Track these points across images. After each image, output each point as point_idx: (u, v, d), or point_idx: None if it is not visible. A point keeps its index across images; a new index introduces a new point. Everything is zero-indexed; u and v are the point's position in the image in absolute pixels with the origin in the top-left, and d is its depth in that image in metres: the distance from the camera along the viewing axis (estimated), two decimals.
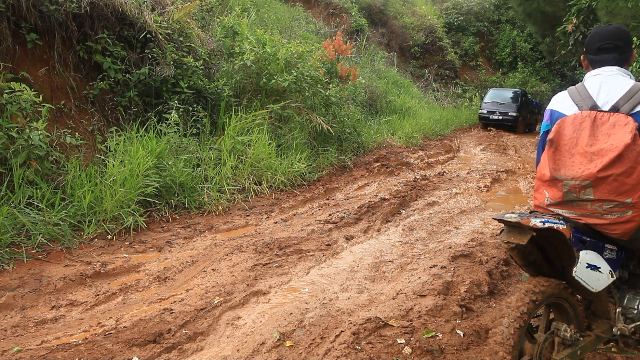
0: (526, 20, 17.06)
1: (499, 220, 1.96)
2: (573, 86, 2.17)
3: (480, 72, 24.52)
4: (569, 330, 2.00)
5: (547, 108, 2.25)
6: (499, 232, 2.05)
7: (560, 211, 2.03)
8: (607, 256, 2.03)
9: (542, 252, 2.14)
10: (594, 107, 2.00)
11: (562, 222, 1.92)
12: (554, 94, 2.31)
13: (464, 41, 24.39)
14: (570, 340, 2.00)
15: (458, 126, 16.15)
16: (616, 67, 2.09)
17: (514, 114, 16.32)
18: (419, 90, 17.68)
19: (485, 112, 16.78)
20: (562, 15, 11.96)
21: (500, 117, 16.35)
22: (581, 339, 2.06)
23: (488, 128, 16.57)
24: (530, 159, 10.44)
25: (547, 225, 1.85)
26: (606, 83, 2.04)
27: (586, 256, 1.94)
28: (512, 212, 1.98)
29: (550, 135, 2.03)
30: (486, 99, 17.26)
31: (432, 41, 21.42)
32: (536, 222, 1.85)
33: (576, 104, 2.07)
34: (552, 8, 13.46)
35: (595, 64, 2.15)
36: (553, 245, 2.07)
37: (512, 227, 1.94)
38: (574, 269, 1.90)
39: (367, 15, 18.80)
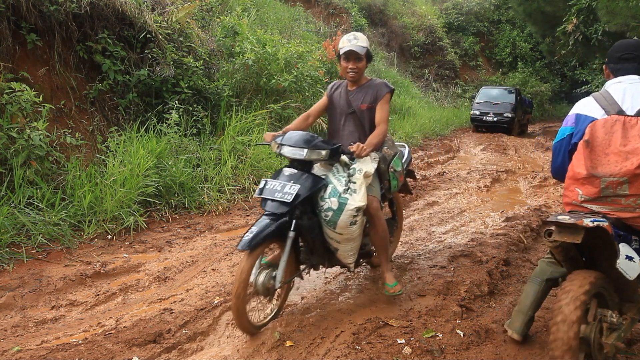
0: (526, 20, 17.02)
1: (553, 223, 2.10)
2: (597, 92, 2.39)
3: (480, 72, 24.54)
4: (614, 315, 2.15)
5: (570, 113, 2.44)
6: (543, 232, 2.18)
7: (594, 207, 2.19)
8: (634, 246, 2.22)
9: (577, 247, 2.28)
10: (620, 112, 2.22)
11: (605, 219, 2.06)
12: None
13: (464, 41, 24.42)
14: (617, 325, 2.15)
15: (458, 126, 16.09)
16: (637, 76, 2.33)
17: (510, 115, 14.96)
18: (419, 90, 17.68)
19: (477, 113, 15.31)
20: (562, 15, 11.95)
21: (495, 119, 14.97)
22: (623, 322, 2.23)
23: (482, 130, 15.37)
24: (531, 159, 10.44)
25: (595, 224, 2.00)
26: (630, 89, 2.28)
27: (624, 248, 2.11)
28: (562, 214, 2.14)
29: (585, 137, 2.22)
30: (478, 99, 15.78)
31: (432, 41, 21.44)
32: (587, 222, 2.01)
33: (603, 109, 2.28)
34: (552, 8, 13.44)
35: (617, 72, 2.40)
36: (591, 240, 2.20)
37: (563, 227, 2.08)
38: (617, 261, 2.05)
39: (367, 15, 18.83)
